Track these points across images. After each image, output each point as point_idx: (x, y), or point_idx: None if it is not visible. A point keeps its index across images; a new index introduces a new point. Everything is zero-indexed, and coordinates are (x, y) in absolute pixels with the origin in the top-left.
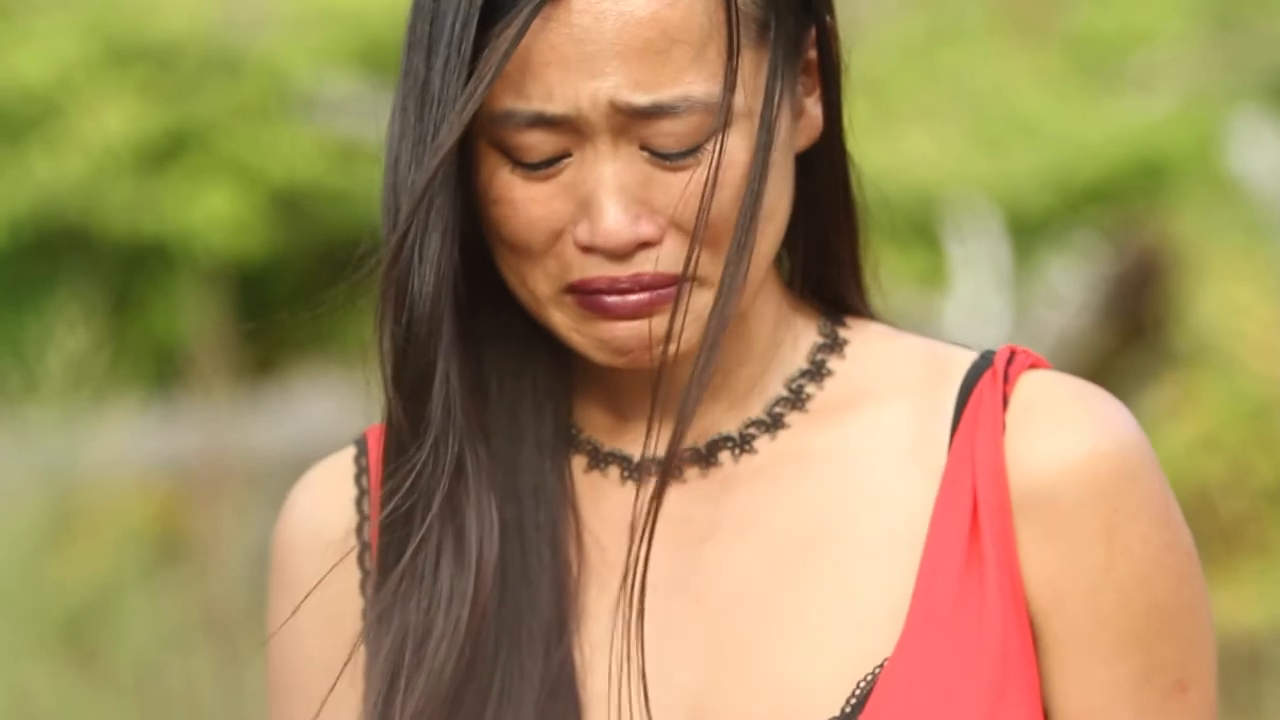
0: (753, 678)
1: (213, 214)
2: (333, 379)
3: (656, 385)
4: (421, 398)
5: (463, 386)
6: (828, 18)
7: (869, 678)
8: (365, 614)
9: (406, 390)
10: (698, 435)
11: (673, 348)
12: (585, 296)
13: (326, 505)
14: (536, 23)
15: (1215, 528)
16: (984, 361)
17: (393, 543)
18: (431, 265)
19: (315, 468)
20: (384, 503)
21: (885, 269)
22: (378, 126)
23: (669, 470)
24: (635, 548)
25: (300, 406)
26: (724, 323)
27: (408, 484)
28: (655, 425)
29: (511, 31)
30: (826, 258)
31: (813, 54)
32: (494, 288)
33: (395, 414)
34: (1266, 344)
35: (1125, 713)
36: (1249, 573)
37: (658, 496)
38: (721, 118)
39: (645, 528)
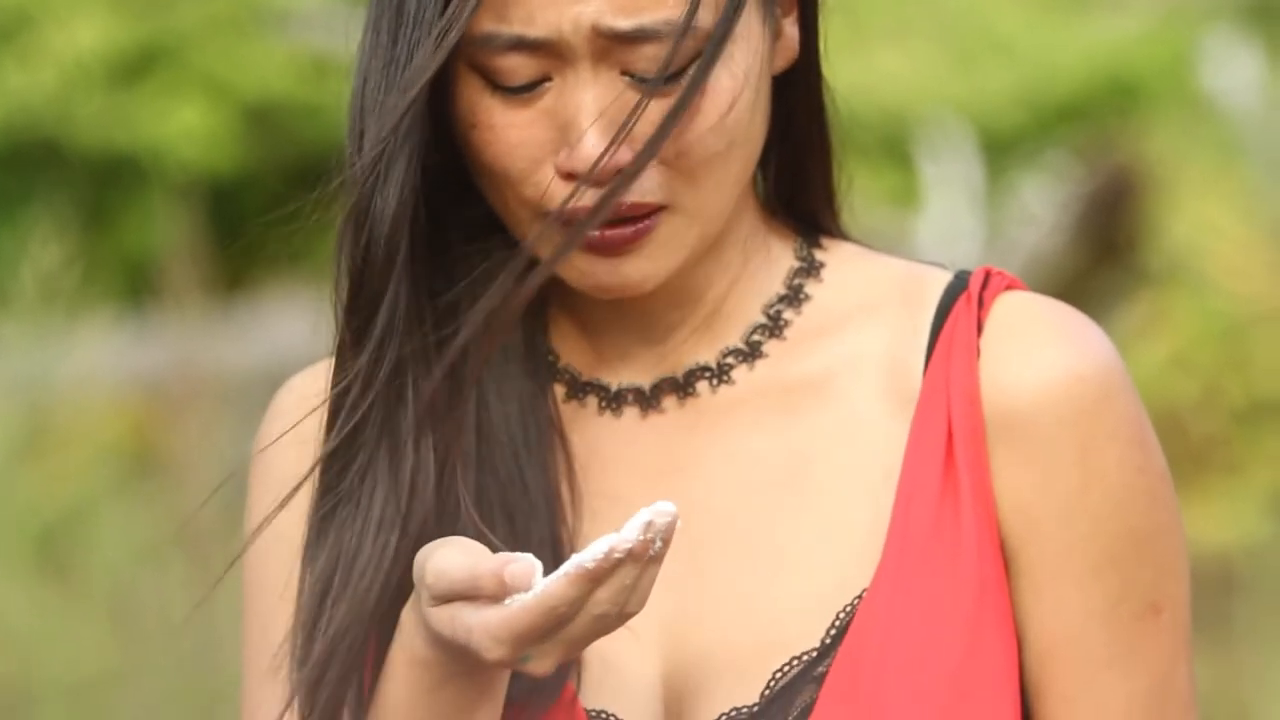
0: (732, 609)
1: (185, 128)
2: (304, 296)
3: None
4: (371, 318)
5: (409, 310)
6: None
7: (848, 609)
8: (305, 535)
9: (358, 311)
10: (674, 365)
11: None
12: (567, 227)
13: (307, 411)
14: None
15: (1186, 447)
16: (959, 283)
17: (331, 463)
18: (395, 188)
19: (298, 375)
20: (328, 423)
21: (857, 188)
22: (350, 42)
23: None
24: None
25: (272, 323)
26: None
27: (349, 402)
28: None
29: None
30: (800, 179)
31: None
32: (472, 207)
33: (342, 334)
34: (1238, 264)
35: (1098, 636)
36: (1219, 492)
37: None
38: (680, 39)
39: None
